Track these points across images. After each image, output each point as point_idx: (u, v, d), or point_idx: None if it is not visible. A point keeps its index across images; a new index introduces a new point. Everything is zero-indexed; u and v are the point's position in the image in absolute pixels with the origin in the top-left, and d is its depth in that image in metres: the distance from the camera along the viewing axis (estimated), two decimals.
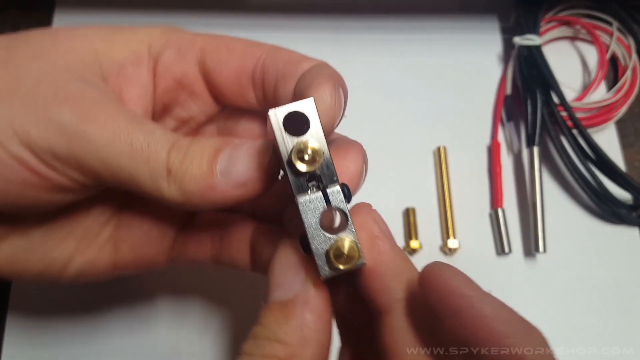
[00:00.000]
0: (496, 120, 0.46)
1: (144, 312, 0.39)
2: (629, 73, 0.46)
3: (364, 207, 0.23)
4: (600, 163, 0.42)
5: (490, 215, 0.43)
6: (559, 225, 0.42)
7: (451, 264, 0.46)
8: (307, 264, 0.22)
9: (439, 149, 0.44)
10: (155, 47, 0.26)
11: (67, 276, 0.27)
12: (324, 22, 0.49)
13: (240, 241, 0.29)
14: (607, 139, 0.45)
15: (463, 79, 0.48)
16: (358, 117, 0.46)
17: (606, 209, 0.42)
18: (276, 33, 0.48)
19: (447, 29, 0.50)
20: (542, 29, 0.47)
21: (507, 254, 0.41)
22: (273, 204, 0.29)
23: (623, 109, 0.45)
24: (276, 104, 0.25)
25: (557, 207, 0.43)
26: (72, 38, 0.25)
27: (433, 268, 0.20)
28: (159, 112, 0.28)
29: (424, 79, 0.48)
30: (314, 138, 0.20)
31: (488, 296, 0.19)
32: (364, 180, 0.25)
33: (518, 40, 0.45)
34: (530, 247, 0.41)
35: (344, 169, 0.23)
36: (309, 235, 0.20)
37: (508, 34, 0.49)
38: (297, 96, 0.24)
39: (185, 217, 0.29)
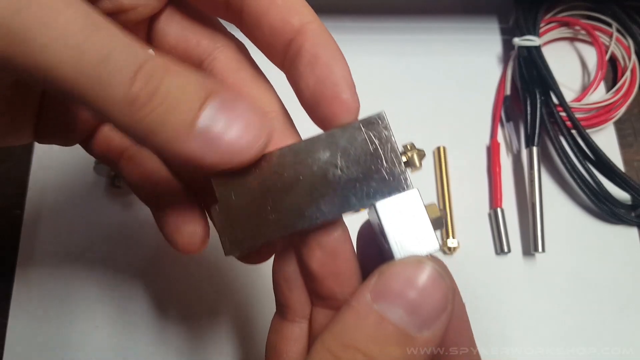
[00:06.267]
0: (495, 120, 0.46)
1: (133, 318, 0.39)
2: (628, 74, 0.46)
3: None
4: (599, 163, 0.42)
5: (490, 215, 0.43)
6: (558, 225, 0.42)
7: (450, 263, 0.45)
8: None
9: (438, 148, 0.44)
10: None
11: None
12: (324, 22, 0.49)
13: None
14: (606, 140, 0.45)
15: (463, 79, 0.48)
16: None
17: (605, 209, 0.42)
18: None
19: (447, 29, 0.50)
20: (541, 30, 0.47)
21: (506, 253, 0.42)
22: None
23: (622, 110, 0.45)
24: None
25: (556, 207, 0.43)
26: None
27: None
28: None
29: (424, 79, 0.48)
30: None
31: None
32: None
33: (517, 41, 0.45)
34: (529, 247, 0.41)
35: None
36: None
37: (508, 34, 0.50)
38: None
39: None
